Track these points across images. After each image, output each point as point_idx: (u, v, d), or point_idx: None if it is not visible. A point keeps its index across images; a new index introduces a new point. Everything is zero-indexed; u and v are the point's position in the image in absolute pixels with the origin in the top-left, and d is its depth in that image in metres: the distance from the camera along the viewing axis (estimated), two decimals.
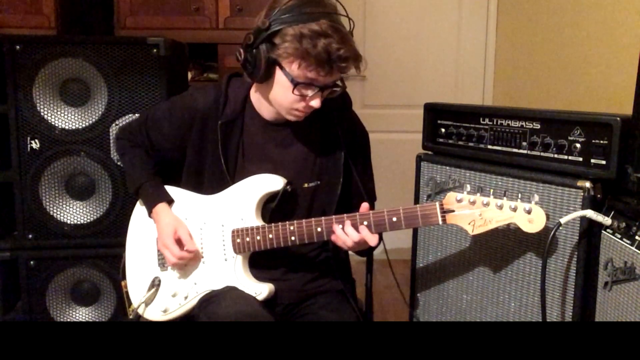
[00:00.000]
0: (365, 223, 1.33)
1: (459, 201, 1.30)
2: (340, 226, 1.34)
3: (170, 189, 1.54)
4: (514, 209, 1.25)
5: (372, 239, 1.33)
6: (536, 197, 1.25)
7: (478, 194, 1.28)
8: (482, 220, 1.28)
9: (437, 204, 1.30)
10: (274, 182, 1.41)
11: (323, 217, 1.36)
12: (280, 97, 1.36)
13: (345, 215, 1.34)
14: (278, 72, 1.32)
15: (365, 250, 1.45)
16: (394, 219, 1.32)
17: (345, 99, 1.51)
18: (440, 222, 1.30)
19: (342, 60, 1.27)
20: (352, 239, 1.33)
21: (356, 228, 1.33)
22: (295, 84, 1.30)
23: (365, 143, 1.57)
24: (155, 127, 1.53)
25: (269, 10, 1.31)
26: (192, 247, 1.44)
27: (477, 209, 1.28)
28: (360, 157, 1.53)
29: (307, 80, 1.30)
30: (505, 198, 1.27)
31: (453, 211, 1.30)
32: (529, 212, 1.24)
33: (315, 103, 1.34)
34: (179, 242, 1.45)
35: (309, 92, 1.32)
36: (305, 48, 1.25)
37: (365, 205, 1.36)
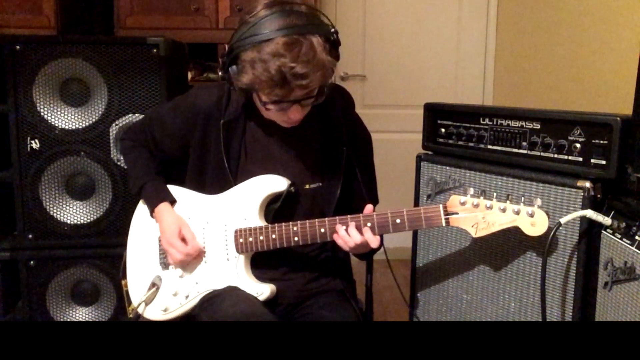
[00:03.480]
0: (369, 224, 1.33)
1: (463, 204, 1.30)
2: (344, 227, 1.34)
3: (173, 189, 1.54)
4: (517, 212, 1.26)
5: (374, 241, 1.33)
6: (539, 201, 1.25)
7: (481, 197, 1.29)
8: (485, 223, 1.28)
9: (441, 206, 1.31)
10: (278, 183, 1.41)
11: (327, 218, 1.36)
12: (262, 109, 1.34)
13: (348, 216, 1.34)
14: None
15: (366, 254, 1.46)
16: (398, 220, 1.32)
17: (348, 99, 1.51)
18: (444, 225, 1.31)
19: (298, 78, 1.20)
20: (355, 240, 1.32)
21: (360, 229, 1.33)
22: (264, 103, 1.29)
23: (368, 144, 1.56)
24: (159, 126, 1.53)
25: (238, 26, 1.27)
26: (196, 245, 1.44)
27: (480, 212, 1.28)
28: (363, 158, 1.52)
29: (274, 99, 1.27)
30: (508, 201, 1.27)
31: (456, 214, 1.30)
32: (531, 215, 1.25)
33: (294, 116, 1.32)
34: (183, 241, 1.45)
35: (284, 107, 1.29)
36: (258, 76, 1.21)
37: (369, 207, 1.36)
